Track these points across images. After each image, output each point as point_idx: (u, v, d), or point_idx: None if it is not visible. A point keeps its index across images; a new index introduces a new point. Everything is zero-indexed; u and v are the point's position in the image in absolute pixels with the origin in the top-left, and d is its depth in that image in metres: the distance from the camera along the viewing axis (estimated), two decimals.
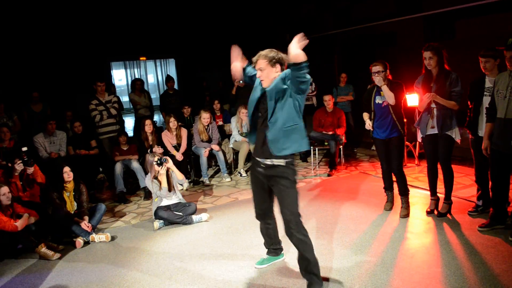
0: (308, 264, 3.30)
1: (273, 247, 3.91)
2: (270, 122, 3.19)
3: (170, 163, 5.26)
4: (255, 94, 3.37)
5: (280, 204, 3.30)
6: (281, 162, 3.23)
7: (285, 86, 3.15)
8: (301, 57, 2.92)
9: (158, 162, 5.17)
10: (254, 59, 3.28)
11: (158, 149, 6.53)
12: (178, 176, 5.32)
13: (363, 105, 4.95)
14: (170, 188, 5.26)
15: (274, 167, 3.25)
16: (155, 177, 5.24)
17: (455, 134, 4.46)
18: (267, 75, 3.20)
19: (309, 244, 3.28)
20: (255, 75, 3.36)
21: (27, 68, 10.17)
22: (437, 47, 4.35)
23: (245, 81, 3.62)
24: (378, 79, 4.58)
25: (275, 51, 3.24)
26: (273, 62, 3.20)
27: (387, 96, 4.56)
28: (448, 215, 4.70)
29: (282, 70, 3.24)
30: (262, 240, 4.46)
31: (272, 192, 3.46)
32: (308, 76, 3.02)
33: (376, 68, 4.60)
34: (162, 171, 5.19)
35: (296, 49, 2.93)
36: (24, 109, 7.47)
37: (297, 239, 3.25)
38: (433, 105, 4.47)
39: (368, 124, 4.82)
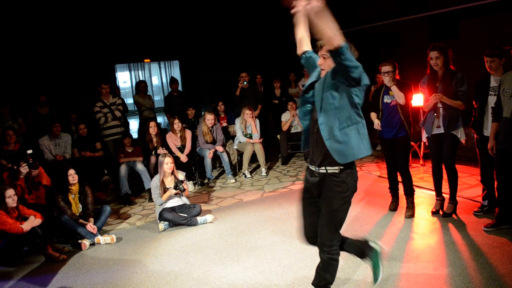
0: (325, 282, 3.01)
1: (364, 253, 3.19)
2: (321, 123, 2.73)
3: (185, 190, 5.36)
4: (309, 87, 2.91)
5: (322, 222, 2.86)
6: (336, 169, 2.74)
7: (333, 81, 2.68)
8: (335, 40, 2.44)
9: (176, 187, 5.24)
10: (319, 42, 2.78)
11: (162, 151, 6.55)
12: (184, 193, 5.40)
13: (371, 105, 4.94)
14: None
15: (329, 177, 2.77)
16: (163, 184, 5.27)
17: (461, 134, 4.44)
18: (330, 65, 2.72)
19: (336, 266, 2.94)
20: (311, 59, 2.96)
21: (32, 71, 10.22)
22: (444, 47, 4.35)
23: (302, 63, 3.12)
24: (387, 79, 4.59)
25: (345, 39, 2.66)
26: None
27: (397, 96, 4.56)
28: (454, 215, 4.68)
29: None
30: (267, 241, 4.48)
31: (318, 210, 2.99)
32: (355, 62, 2.55)
33: (385, 68, 4.61)
34: (172, 192, 5.25)
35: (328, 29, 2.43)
36: (31, 111, 7.50)
37: (328, 259, 2.90)
38: (439, 105, 4.46)
39: (377, 124, 4.81)
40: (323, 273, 2.97)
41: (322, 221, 2.86)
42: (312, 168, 2.86)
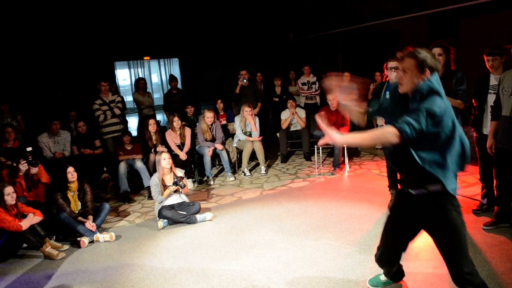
0: None
1: (394, 275, 3.29)
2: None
3: (185, 187, 5.34)
4: (393, 102, 2.74)
5: (446, 250, 2.63)
6: (439, 186, 2.52)
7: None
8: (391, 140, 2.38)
9: (175, 183, 5.22)
10: (399, 55, 2.59)
11: (162, 148, 6.54)
12: (184, 190, 5.38)
13: (371, 101, 4.93)
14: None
15: (434, 196, 2.56)
16: (162, 181, 5.26)
17: None
18: (410, 80, 2.50)
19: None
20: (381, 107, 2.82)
21: (31, 69, 10.21)
22: (447, 46, 4.34)
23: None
24: (394, 75, 4.57)
25: (431, 53, 2.51)
26: (423, 66, 2.46)
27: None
28: None
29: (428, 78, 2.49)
30: (266, 239, 4.48)
31: (413, 236, 2.87)
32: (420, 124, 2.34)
33: (392, 64, 4.61)
34: (172, 189, 5.24)
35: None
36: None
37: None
38: None
39: (381, 119, 4.80)
40: None
41: (449, 249, 2.62)
42: (409, 190, 2.70)
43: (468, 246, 2.60)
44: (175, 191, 5.31)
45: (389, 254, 3.01)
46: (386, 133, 2.38)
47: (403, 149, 2.49)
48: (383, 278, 3.34)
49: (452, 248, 2.58)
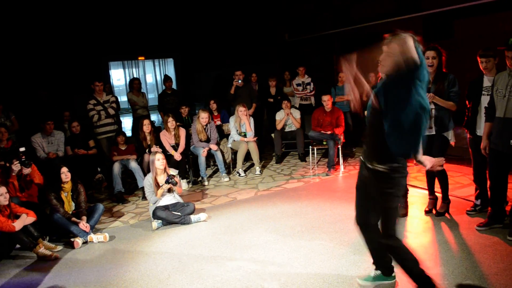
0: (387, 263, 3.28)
1: (382, 264, 3.35)
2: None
3: (177, 185, 5.31)
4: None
5: (381, 214, 3.03)
6: (381, 168, 2.82)
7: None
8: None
9: (167, 181, 5.20)
10: (388, 37, 2.78)
11: (156, 149, 6.52)
12: (178, 190, 5.36)
13: (367, 104, 4.93)
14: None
15: (376, 173, 2.87)
16: (156, 182, 5.24)
17: (451, 136, 4.46)
18: (391, 63, 2.72)
19: (397, 252, 3.01)
20: None
21: (25, 68, 10.16)
22: (440, 50, 4.37)
23: None
24: None
25: (415, 43, 2.75)
26: (405, 54, 2.64)
27: None
28: (447, 215, 4.70)
29: None
30: (261, 239, 4.48)
31: (372, 200, 3.10)
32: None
33: None
34: (165, 187, 5.22)
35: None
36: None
37: (385, 246, 3.06)
38: (431, 106, 4.46)
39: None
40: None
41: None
42: (364, 161, 3.04)
43: (396, 214, 2.97)
44: (169, 191, 5.29)
45: (359, 215, 3.22)
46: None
47: (378, 125, 2.82)
48: (373, 274, 3.36)
49: (383, 214, 2.98)
